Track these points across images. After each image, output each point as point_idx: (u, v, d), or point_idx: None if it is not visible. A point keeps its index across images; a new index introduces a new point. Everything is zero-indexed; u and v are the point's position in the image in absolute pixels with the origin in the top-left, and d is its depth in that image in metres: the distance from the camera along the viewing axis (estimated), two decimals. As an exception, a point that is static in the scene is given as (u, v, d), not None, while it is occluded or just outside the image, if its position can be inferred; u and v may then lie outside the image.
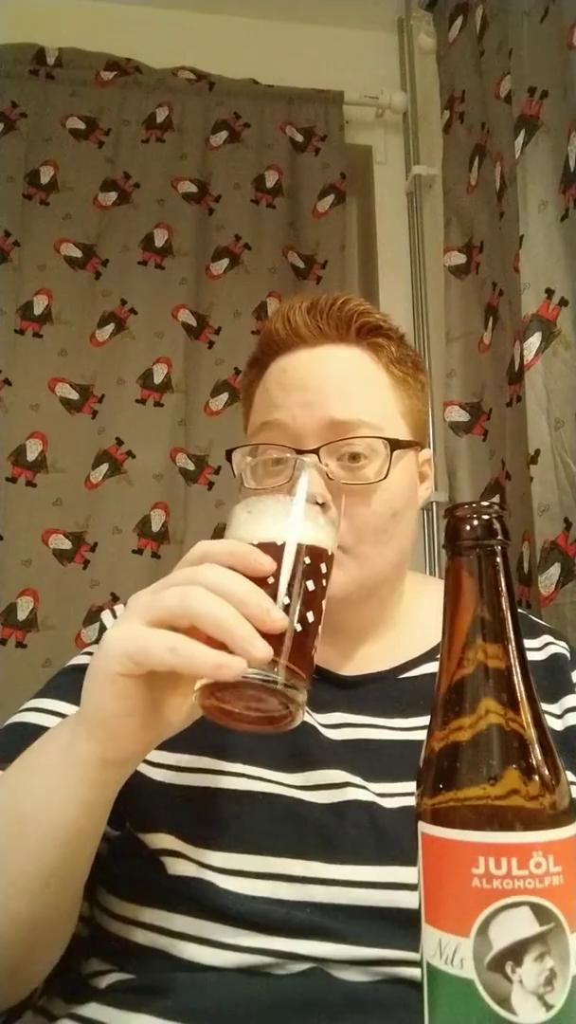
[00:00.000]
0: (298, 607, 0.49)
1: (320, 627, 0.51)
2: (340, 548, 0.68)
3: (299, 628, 0.49)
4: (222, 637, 0.46)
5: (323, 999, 0.55)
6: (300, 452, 0.68)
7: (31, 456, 1.54)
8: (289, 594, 0.49)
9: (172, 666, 0.46)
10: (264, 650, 0.45)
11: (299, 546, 0.51)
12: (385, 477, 0.69)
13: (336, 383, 0.71)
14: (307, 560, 0.51)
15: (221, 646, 0.46)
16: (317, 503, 0.55)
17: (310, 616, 0.50)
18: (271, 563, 0.49)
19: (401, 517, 0.72)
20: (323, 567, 0.53)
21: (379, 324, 0.75)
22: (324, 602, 0.52)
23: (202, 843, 0.61)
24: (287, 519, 0.52)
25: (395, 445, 0.70)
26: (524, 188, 1.21)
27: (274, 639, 0.46)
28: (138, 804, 0.64)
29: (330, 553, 0.54)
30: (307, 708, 0.68)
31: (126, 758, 0.53)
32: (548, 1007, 0.35)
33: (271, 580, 0.49)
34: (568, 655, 0.77)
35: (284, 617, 0.47)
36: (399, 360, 0.76)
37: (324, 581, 0.53)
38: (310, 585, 0.51)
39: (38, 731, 0.68)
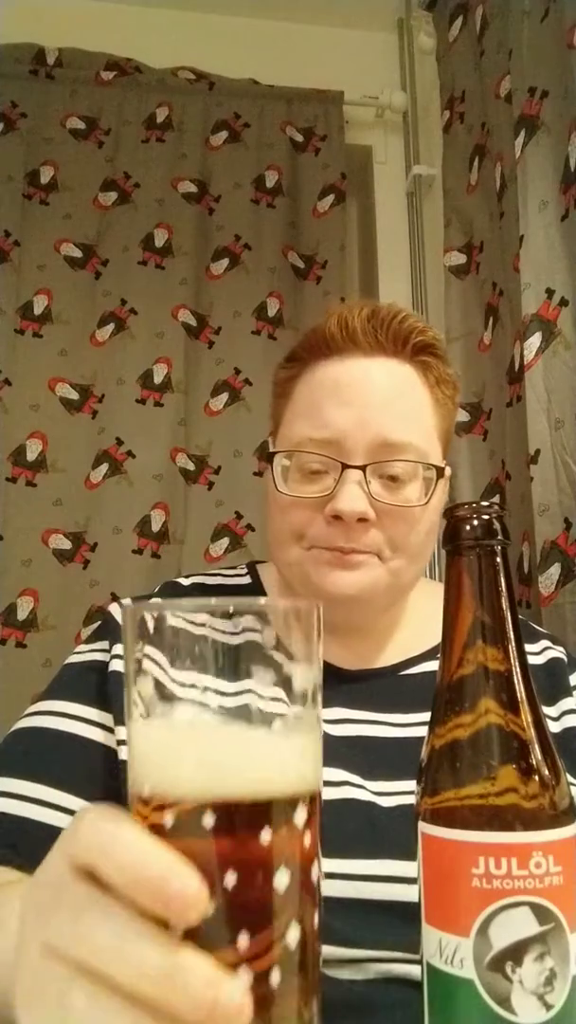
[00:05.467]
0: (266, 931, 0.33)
1: (318, 946, 0.35)
2: (377, 556, 0.70)
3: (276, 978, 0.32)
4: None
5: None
6: (346, 466, 0.68)
7: (31, 456, 1.53)
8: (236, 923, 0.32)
9: None
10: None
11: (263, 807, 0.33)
12: (427, 502, 0.71)
13: (390, 403, 0.71)
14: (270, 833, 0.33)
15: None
16: (274, 662, 0.35)
17: (291, 939, 0.33)
18: (196, 891, 0.30)
19: (432, 534, 0.74)
20: (298, 822, 0.34)
21: (431, 343, 0.75)
22: (317, 903, 0.35)
23: None
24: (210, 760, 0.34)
25: (440, 473, 0.72)
26: (524, 188, 1.21)
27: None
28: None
29: (308, 796, 0.35)
30: None
31: None
32: (548, 1007, 0.35)
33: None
34: (566, 660, 0.78)
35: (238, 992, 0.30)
36: (443, 381, 0.76)
37: (308, 869, 0.34)
38: (282, 882, 0.33)
39: (52, 736, 0.69)
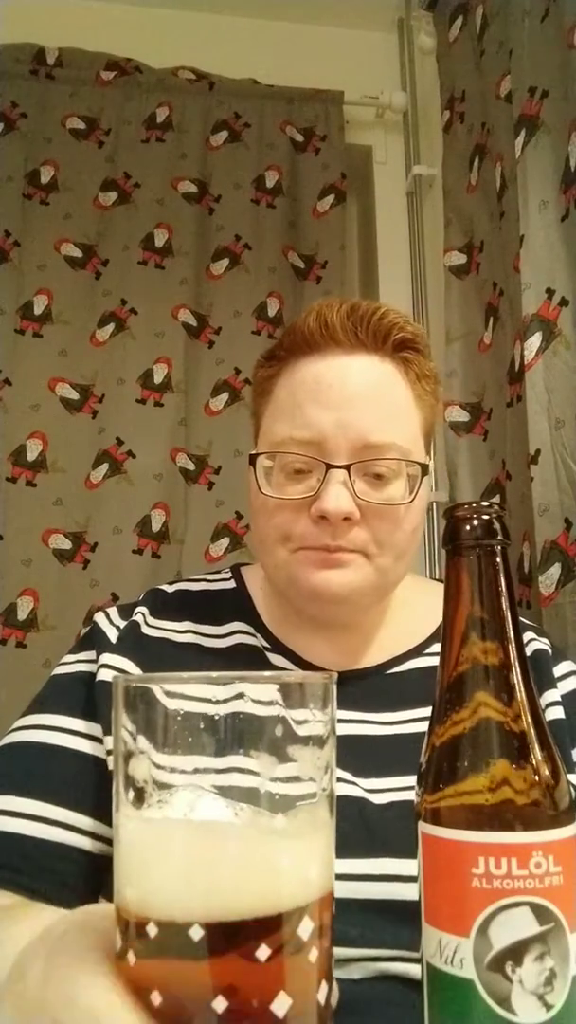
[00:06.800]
0: None
1: None
2: (363, 554, 0.69)
3: None
4: None
5: None
6: (330, 466, 0.68)
7: (31, 456, 1.53)
8: None
9: None
10: None
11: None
12: (412, 500, 0.71)
13: (370, 403, 0.71)
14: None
15: None
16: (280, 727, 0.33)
17: None
18: None
19: (417, 531, 0.75)
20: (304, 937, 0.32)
21: (411, 338, 0.74)
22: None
23: None
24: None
25: (425, 471, 0.72)
26: (524, 188, 1.21)
27: None
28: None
29: (314, 903, 0.33)
30: None
31: None
32: (548, 1007, 0.35)
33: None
34: (550, 651, 0.78)
35: None
36: (424, 375, 0.75)
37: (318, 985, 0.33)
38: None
39: (41, 750, 0.68)
